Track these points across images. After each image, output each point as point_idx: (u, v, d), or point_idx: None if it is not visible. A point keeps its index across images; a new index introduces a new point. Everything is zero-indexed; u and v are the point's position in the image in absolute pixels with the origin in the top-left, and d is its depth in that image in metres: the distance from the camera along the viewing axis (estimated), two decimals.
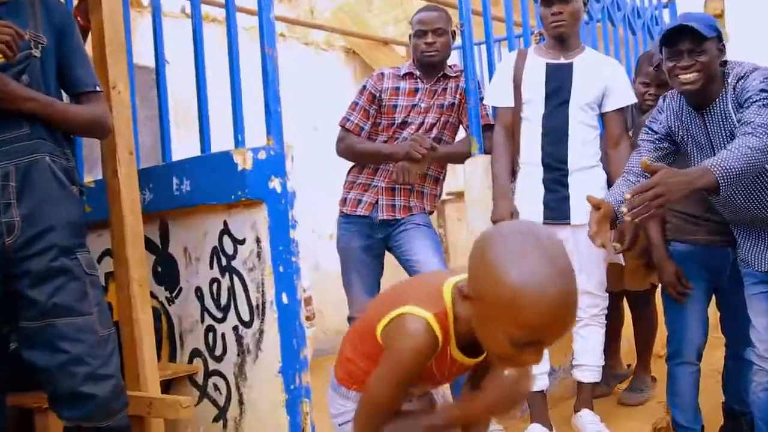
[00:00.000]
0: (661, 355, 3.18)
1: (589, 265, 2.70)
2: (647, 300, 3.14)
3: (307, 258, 4.68)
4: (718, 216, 2.45)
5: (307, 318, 4.29)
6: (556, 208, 2.73)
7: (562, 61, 2.79)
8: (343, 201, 3.02)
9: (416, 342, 1.33)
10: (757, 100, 2.11)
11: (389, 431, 1.38)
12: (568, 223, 2.69)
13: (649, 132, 2.40)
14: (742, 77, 2.19)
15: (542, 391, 2.74)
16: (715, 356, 2.88)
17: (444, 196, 5.31)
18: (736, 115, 2.18)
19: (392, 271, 3.12)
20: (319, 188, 4.48)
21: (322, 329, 4.72)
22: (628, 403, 2.98)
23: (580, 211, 2.66)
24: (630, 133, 2.92)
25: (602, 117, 2.83)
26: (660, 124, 2.38)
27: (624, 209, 1.92)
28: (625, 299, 3.26)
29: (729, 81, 2.22)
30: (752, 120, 2.07)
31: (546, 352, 2.70)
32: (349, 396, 1.54)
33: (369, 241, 2.97)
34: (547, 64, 2.79)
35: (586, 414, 2.78)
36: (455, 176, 4.27)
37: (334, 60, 5.05)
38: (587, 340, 2.78)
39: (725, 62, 2.25)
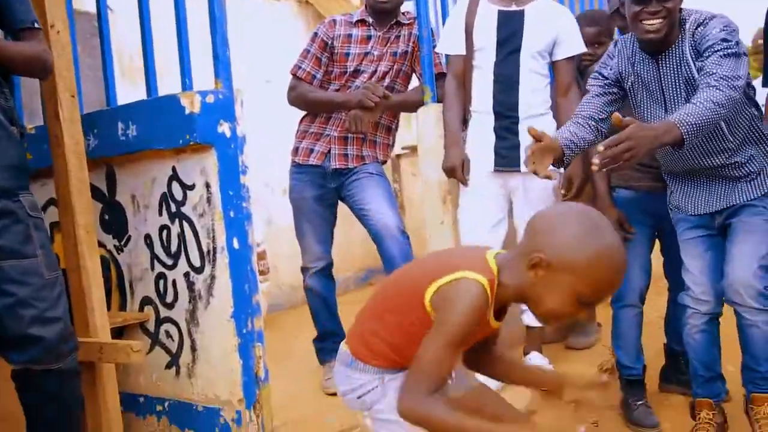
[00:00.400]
0: (607, 303, 3.27)
1: None
2: None
3: (260, 212, 4.67)
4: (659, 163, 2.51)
5: (261, 272, 4.31)
6: (507, 156, 2.75)
7: (514, 8, 2.79)
8: (295, 150, 3.00)
9: (475, 302, 1.40)
10: (718, 50, 2.11)
11: (432, 409, 1.39)
12: (519, 171, 2.72)
13: (599, 77, 2.41)
14: (701, 24, 2.19)
15: (542, 327, 2.90)
16: (660, 303, 2.97)
17: (399, 151, 5.34)
18: (694, 62, 2.19)
19: (345, 220, 3.13)
20: (272, 142, 4.43)
21: (276, 284, 4.72)
22: (575, 347, 3.07)
23: None
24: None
25: (552, 65, 2.85)
26: (610, 69, 2.38)
27: (596, 161, 1.91)
28: None
29: (687, 27, 2.22)
30: (714, 71, 2.08)
31: None
32: (366, 370, 1.56)
33: (321, 191, 2.97)
34: (498, 11, 2.79)
35: (534, 356, 2.86)
36: (410, 130, 4.26)
37: (287, 11, 4.96)
38: None
39: (680, 8, 2.25)
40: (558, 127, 2.83)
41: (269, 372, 2.30)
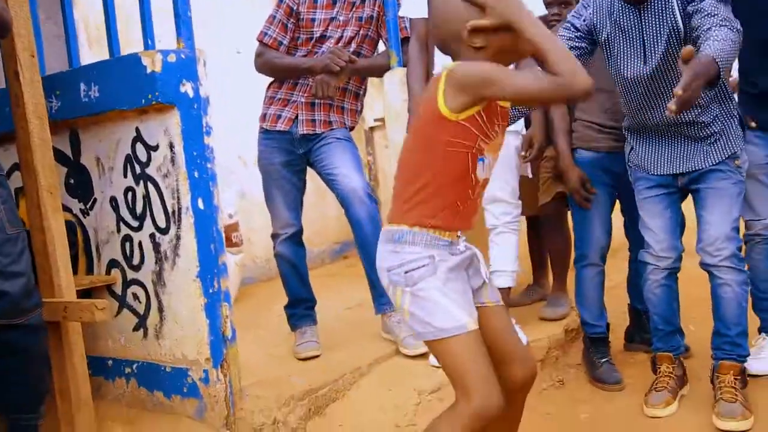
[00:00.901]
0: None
1: (502, 174, 2.78)
2: (560, 222, 3.25)
3: (233, 185, 4.67)
4: (620, 124, 2.55)
5: (234, 245, 4.33)
6: None
7: None
8: (263, 117, 3.00)
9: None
10: None
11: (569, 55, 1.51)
12: None
13: (570, 28, 2.37)
14: None
15: (509, 288, 2.92)
16: (626, 266, 3.02)
17: (372, 123, 5.35)
18: (681, 11, 2.17)
19: (319, 194, 3.14)
20: (244, 114, 4.41)
21: (250, 257, 4.73)
22: (548, 318, 3.10)
23: None
24: None
25: None
26: (583, 20, 2.35)
27: (673, 107, 1.85)
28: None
29: None
30: (716, 12, 2.06)
31: (514, 253, 2.90)
32: (416, 241, 1.60)
33: (290, 157, 2.97)
34: None
35: None
36: (385, 102, 4.27)
37: None
38: (501, 247, 2.88)
39: None
40: None
41: (239, 337, 2.33)
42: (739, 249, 2.32)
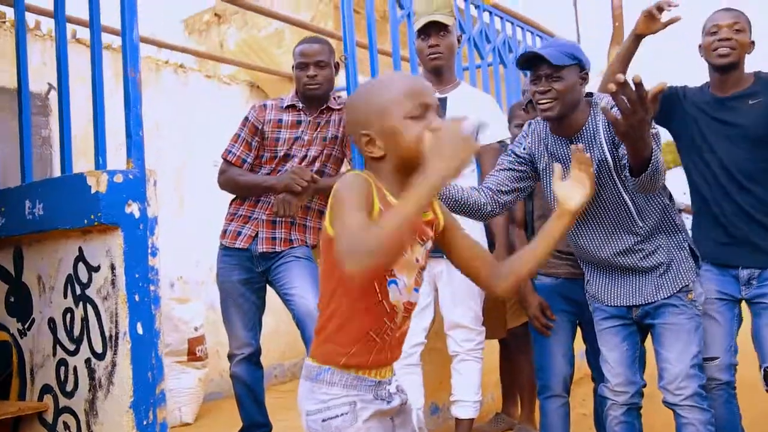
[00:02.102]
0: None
1: (464, 299, 2.70)
2: (529, 346, 3.14)
3: (203, 297, 4.57)
4: None
5: (198, 359, 4.19)
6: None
7: (437, 95, 2.82)
8: (224, 233, 2.95)
9: (347, 181, 1.39)
10: None
11: (387, 224, 1.28)
12: (443, 257, 2.68)
13: (510, 154, 2.39)
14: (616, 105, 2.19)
15: (471, 419, 2.80)
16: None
17: None
18: (608, 144, 2.18)
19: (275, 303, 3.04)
20: (217, 225, 4.39)
21: (217, 371, 4.57)
22: None
23: None
24: None
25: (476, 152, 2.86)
26: (523, 148, 2.37)
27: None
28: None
29: (599, 109, 2.21)
30: None
31: (477, 382, 2.75)
32: (334, 381, 1.44)
33: (249, 275, 2.90)
34: None
35: None
36: None
37: (238, 94, 5.01)
38: (463, 376, 2.76)
39: (591, 94, 2.28)
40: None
41: None
42: (702, 386, 2.22)
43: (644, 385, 2.35)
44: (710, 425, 2.21)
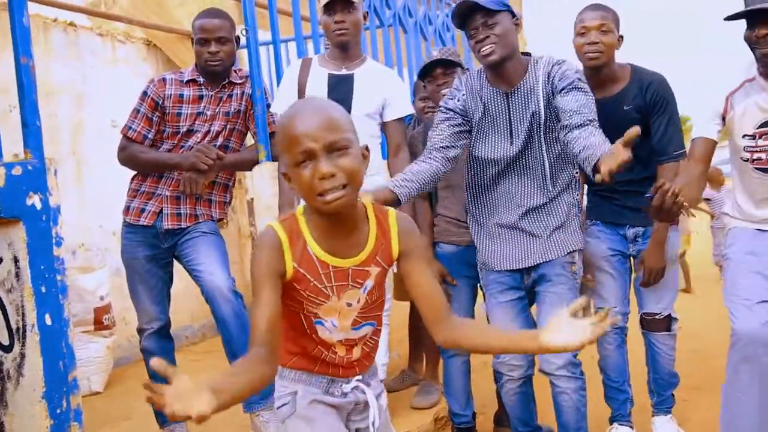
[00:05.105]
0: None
1: None
2: None
3: (109, 263, 4.50)
4: None
5: (106, 327, 4.16)
6: None
7: (344, 72, 2.87)
8: (127, 210, 2.92)
9: (260, 242, 1.46)
10: (579, 87, 2.26)
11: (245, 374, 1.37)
12: None
13: (445, 110, 2.45)
14: (557, 64, 2.33)
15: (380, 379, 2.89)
16: None
17: (253, 194, 5.31)
18: (545, 97, 2.31)
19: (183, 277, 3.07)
20: (119, 187, 4.29)
21: (125, 336, 4.54)
22: (419, 407, 3.13)
23: None
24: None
25: (383, 126, 2.95)
26: (456, 100, 2.44)
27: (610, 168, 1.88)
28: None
29: (540, 66, 2.34)
30: (583, 111, 2.21)
31: (384, 346, 2.83)
32: (282, 374, 1.58)
33: (155, 251, 2.90)
34: (329, 74, 2.87)
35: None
36: (254, 193, 4.25)
37: (133, 52, 4.83)
38: None
39: (527, 53, 2.40)
40: None
41: None
42: (575, 355, 2.38)
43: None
44: (582, 391, 2.39)
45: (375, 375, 1.66)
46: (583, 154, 2.06)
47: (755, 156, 2.34)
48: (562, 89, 2.28)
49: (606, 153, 1.92)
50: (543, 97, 2.32)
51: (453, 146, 2.39)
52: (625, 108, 2.65)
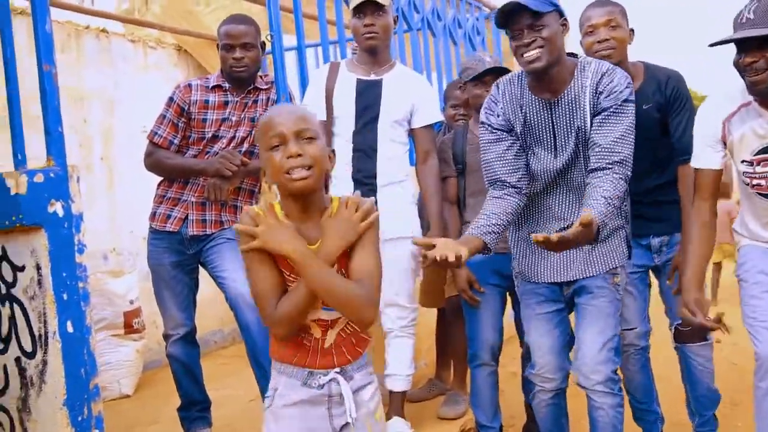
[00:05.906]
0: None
1: (398, 279, 2.78)
2: (460, 317, 3.25)
3: (139, 267, 4.52)
4: None
5: (135, 331, 4.18)
6: None
7: (373, 77, 2.83)
8: (153, 216, 2.93)
9: (241, 220, 1.65)
10: (619, 113, 2.13)
11: (281, 308, 1.59)
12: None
13: (487, 126, 2.28)
14: (607, 74, 2.16)
15: (404, 391, 2.89)
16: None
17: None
18: (591, 110, 2.16)
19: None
20: (149, 193, 4.32)
21: (154, 340, 4.56)
22: (446, 417, 3.06)
23: (389, 225, 2.70)
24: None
25: (411, 133, 2.89)
26: (497, 115, 2.27)
27: (543, 238, 1.91)
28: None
29: (588, 74, 2.17)
30: (612, 149, 2.10)
31: (409, 356, 2.85)
32: (274, 366, 1.70)
33: (180, 257, 2.90)
34: (357, 80, 2.83)
35: (396, 421, 2.86)
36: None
37: (164, 58, 4.87)
38: (397, 351, 2.86)
39: (574, 54, 2.24)
40: (417, 194, 2.89)
41: None
42: (615, 371, 2.29)
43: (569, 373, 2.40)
44: (620, 407, 2.29)
45: (363, 369, 1.71)
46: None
47: (754, 182, 2.21)
48: (604, 110, 2.14)
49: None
50: (590, 111, 2.17)
51: (520, 168, 2.26)
52: (644, 107, 2.51)
